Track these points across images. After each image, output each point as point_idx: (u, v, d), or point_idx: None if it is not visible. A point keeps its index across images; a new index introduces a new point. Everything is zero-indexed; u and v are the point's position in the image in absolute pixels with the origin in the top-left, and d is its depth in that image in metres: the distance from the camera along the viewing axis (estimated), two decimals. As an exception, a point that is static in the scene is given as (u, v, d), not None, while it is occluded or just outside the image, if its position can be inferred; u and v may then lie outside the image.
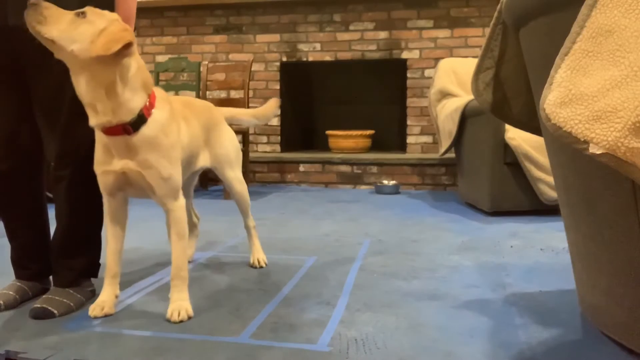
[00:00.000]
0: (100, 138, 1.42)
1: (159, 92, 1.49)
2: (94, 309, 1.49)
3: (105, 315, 1.49)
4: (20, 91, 1.53)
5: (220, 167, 1.88)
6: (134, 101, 1.37)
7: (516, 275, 1.87)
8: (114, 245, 1.54)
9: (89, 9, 1.31)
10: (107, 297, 1.52)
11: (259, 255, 2.02)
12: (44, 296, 1.54)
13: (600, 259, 1.22)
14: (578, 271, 1.41)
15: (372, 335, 1.35)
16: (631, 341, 1.19)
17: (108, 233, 1.54)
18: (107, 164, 1.43)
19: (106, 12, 1.33)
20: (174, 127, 1.48)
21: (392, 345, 1.29)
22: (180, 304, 1.47)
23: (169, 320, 1.44)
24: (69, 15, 1.28)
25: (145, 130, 1.39)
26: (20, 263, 1.62)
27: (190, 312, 1.47)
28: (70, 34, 1.27)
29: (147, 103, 1.40)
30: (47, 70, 1.47)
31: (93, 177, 1.52)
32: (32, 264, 1.62)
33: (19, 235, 1.62)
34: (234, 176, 1.91)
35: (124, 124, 1.36)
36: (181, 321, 1.44)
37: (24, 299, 1.59)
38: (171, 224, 1.51)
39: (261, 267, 1.99)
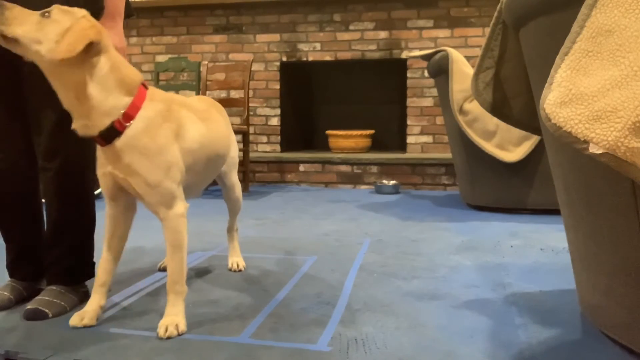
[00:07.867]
0: None
1: (155, 92, 1.40)
2: (74, 318, 1.40)
3: (85, 327, 1.39)
4: (15, 90, 1.49)
5: (229, 170, 1.82)
6: (107, 103, 1.28)
7: (516, 275, 1.87)
8: (106, 253, 1.46)
9: (55, 7, 1.24)
10: (90, 307, 1.42)
11: (237, 258, 1.96)
12: (36, 297, 1.51)
13: (600, 259, 1.22)
14: (578, 271, 1.41)
15: (372, 335, 1.35)
16: (631, 341, 1.19)
17: (105, 239, 1.48)
18: (102, 166, 1.38)
19: (74, 9, 1.26)
20: (165, 130, 1.36)
21: (392, 345, 1.28)
22: (172, 319, 1.36)
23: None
24: (34, 15, 1.23)
25: (128, 132, 1.30)
26: (15, 264, 1.61)
27: (183, 328, 1.35)
28: (35, 35, 1.21)
29: (130, 104, 1.30)
30: (34, 70, 1.43)
31: (81, 171, 1.50)
32: (27, 265, 1.61)
33: (15, 236, 1.60)
34: (236, 181, 1.89)
35: (97, 135, 1.29)
36: (169, 337, 1.32)
37: (18, 299, 1.57)
38: (165, 234, 1.40)
39: (239, 270, 1.92)
